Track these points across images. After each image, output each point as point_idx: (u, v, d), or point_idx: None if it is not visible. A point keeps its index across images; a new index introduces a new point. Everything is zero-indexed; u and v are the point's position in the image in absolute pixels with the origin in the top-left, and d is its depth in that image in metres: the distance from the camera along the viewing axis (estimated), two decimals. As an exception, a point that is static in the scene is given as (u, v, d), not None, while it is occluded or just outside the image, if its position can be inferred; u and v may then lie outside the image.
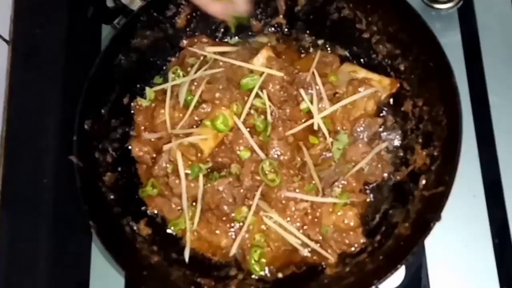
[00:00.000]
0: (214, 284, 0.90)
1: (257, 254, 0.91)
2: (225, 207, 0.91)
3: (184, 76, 1.00)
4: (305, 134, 0.96)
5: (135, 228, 0.94)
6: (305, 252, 0.91)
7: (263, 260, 0.91)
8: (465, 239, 0.98)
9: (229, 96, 0.96)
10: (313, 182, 0.92)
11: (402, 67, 0.97)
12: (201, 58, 1.01)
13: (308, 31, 1.06)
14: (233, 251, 0.92)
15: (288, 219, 0.91)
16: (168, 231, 0.96)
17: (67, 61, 1.17)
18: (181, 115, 0.98)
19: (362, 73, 0.99)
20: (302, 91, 0.95)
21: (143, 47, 1.00)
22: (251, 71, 0.98)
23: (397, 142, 0.98)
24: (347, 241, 0.89)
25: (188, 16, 1.03)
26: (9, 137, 1.07)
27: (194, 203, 0.94)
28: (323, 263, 0.91)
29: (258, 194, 0.91)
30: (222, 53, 1.01)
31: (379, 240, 0.90)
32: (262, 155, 0.93)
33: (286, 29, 1.07)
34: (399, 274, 0.90)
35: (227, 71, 0.99)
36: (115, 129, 0.98)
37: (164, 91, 1.01)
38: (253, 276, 0.92)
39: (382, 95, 0.97)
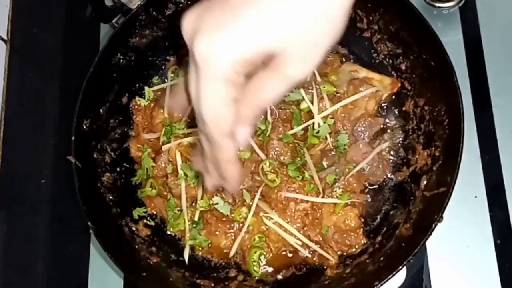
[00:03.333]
0: (213, 285, 0.90)
1: (257, 255, 0.90)
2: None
3: (183, 75, 0.99)
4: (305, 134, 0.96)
5: (134, 229, 0.93)
6: (305, 253, 0.91)
7: (263, 261, 0.91)
8: (467, 240, 0.97)
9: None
10: (313, 182, 0.91)
11: (403, 67, 0.96)
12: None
13: (308, 30, 1.05)
14: (233, 252, 0.92)
15: (288, 219, 0.90)
16: (167, 232, 0.95)
17: (65, 60, 1.16)
18: (180, 115, 0.97)
19: (363, 72, 0.98)
20: (302, 91, 0.94)
21: (142, 46, 0.99)
22: (251, 71, 0.98)
23: (398, 142, 0.98)
24: (347, 242, 0.89)
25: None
26: (6, 137, 1.06)
27: (193, 204, 0.93)
28: (323, 264, 0.90)
29: (258, 194, 0.90)
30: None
31: (380, 241, 0.89)
32: (262, 155, 0.93)
33: (286, 28, 1.06)
34: (400, 275, 0.90)
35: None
36: (113, 129, 0.98)
37: (163, 91, 1.00)
38: (252, 277, 0.91)
39: (383, 95, 0.97)
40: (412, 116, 0.96)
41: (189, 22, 0.50)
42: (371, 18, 0.97)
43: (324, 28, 0.49)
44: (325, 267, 0.90)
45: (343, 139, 0.94)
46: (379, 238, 0.90)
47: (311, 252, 0.91)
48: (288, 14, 0.46)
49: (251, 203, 0.90)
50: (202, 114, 0.51)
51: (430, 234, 0.79)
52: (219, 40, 0.47)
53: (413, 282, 0.94)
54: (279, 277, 0.92)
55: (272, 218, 0.90)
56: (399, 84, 0.97)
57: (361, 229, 0.90)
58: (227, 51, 0.47)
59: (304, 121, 0.95)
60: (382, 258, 0.85)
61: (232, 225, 0.93)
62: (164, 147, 0.93)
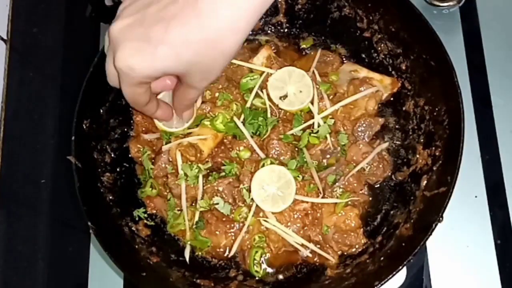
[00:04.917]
0: (213, 285, 0.90)
1: (258, 255, 0.90)
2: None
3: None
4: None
5: (134, 229, 0.93)
6: (306, 253, 0.90)
7: (264, 261, 0.91)
8: (467, 240, 0.97)
9: (229, 95, 0.95)
10: (313, 182, 0.91)
11: (403, 66, 0.96)
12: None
13: (308, 30, 1.05)
14: (233, 252, 0.92)
15: (289, 220, 0.90)
16: (167, 232, 0.95)
17: (65, 60, 1.16)
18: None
19: (363, 72, 0.98)
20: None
21: (141, 46, 0.99)
22: (251, 71, 0.98)
23: (398, 142, 0.98)
24: (348, 242, 0.89)
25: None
26: (6, 137, 1.06)
27: (193, 204, 0.93)
28: (324, 264, 0.90)
29: (258, 194, 0.90)
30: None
31: (380, 241, 0.89)
32: (262, 155, 0.93)
33: (286, 28, 1.07)
34: (401, 275, 0.90)
35: (226, 70, 0.99)
36: (113, 129, 0.98)
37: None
38: (252, 277, 0.91)
39: (383, 95, 0.97)
40: (412, 116, 0.96)
41: (114, 32, 0.66)
42: (371, 18, 0.97)
43: (215, 56, 0.64)
44: (325, 267, 0.90)
45: (343, 139, 0.94)
46: (379, 238, 0.90)
47: (311, 252, 0.91)
48: (187, 51, 0.63)
49: (251, 203, 0.90)
50: (124, 96, 0.73)
51: (430, 234, 0.79)
52: (135, 62, 0.64)
53: (413, 282, 0.94)
54: (280, 277, 0.91)
55: (269, 222, 0.90)
56: (399, 84, 0.97)
57: (361, 229, 0.90)
58: (139, 70, 0.65)
59: (304, 121, 0.95)
60: (382, 258, 0.85)
61: (232, 225, 0.92)
62: (164, 147, 0.93)
